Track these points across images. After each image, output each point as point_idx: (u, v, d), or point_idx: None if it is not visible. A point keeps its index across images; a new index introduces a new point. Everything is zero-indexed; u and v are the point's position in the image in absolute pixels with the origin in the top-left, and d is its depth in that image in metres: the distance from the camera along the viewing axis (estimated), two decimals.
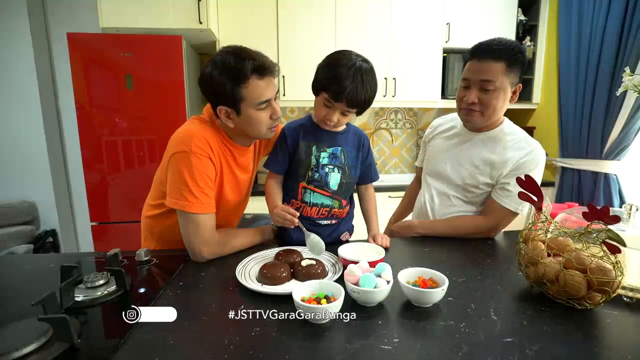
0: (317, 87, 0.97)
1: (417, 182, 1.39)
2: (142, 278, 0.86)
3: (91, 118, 2.00)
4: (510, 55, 1.00)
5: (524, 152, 1.06)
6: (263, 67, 0.90)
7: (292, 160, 1.05)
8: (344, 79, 0.89)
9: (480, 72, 1.03)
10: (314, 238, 0.90)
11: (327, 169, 1.03)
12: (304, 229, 0.92)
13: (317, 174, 1.02)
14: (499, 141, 1.10)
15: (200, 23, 2.04)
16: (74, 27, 2.34)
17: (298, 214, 0.91)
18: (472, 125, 1.13)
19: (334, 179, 1.04)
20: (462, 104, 1.09)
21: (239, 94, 0.89)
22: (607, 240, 0.63)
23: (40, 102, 2.37)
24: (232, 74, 0.88)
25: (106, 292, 0.74)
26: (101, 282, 0.76)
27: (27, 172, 2.45)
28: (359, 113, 0.99)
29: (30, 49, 2.30)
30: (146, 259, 0.94)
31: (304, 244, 1.00)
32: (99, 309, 0.70)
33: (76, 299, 0.71)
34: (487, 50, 1.02)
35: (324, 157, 1.03)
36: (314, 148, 1.03)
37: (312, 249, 0.90)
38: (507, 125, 1.13)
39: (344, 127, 1.07)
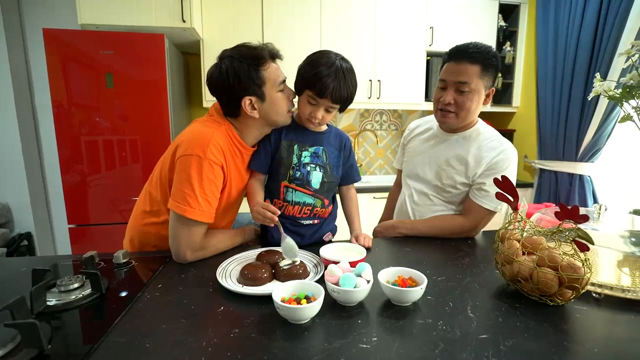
0: (300, 86, 0.98)
1: (397, 187, 1.42)
2: (120, 281, 0.84)
3: (69, 117, 1.94)
4: (485, 59, 1.04)
5: (497, 151, 1.10)
6: (274, 51, 0.97)
7: (273, 159, 1.05)
8: (327, 75, 0.92)
9: (456, 74, 1.06)
10: (289, 241, 0.89)
11: (308, 168, 1.04)
12: (281, 230, 0.91)
13: (299, 173, 1.03)
14: (473, 141, 1.14)
15: (184, 22, 2.01)
16: (50, 23, 2.28)
17: (279, 212, 0.91)
18: (447, 126, 1.17)
19: (316, 177, 1.04)
20: (439, 104, 1.12)
21: (262, 77, 0.93)
22: (577, 239, 0.66)
23: (14, 101, 2.28)
24: (252, 59, 0.92)
25: (80, 295, 0.72)
26: (75, 285, 0.74)
27: (0, 173, 2.35)
28: (341, 110, 1.01)
29: (4, 44, 2.21)
30: (124, 261, 0.92)
31: None
32: (73, 313, 0.68)
33: (48, 303, 0.69)
34: (464, 53, 1.05)
35: (305, 156, 1.04)
36: (295, 147, 1.03)
37: (285, 252, 0.88)
38: (481, 125, 1.17)
39: (325, 127, 1.08)
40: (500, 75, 2.72)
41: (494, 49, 1.08)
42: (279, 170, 1.04)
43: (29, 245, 2.46)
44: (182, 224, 0.90)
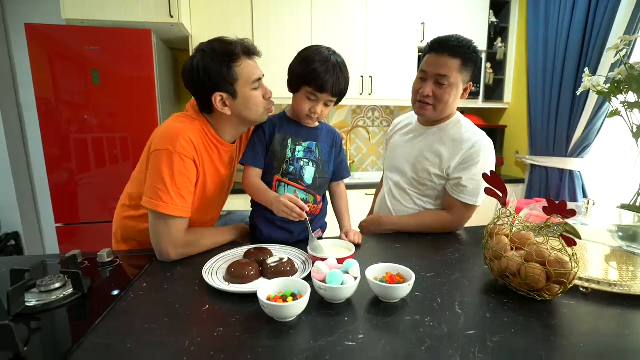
0: (297, 84, 0.98)
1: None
2: (104, 280, 0.82)
3: (55, 115, 1.89)
4: (465, 54, 1.05)
5: (470, 143, 1.10)
6: (250, 48, 0.93)
7: (266, 153, 1.04)
8: (325, 71, 0.93)
9: (437, 66, 1.07)
10: (317, 244, 0.89)
11: (302, 163, 1.03)
12: (310, 229, 0.91)
13: (292, 167, 1.02)
14: (447, 133, 1.15)
15: (171, 17, 1.97)
16: (34, 18, 2.22)
17: (307, 208, 0.91)
18: (424, 119, 1.18)
19: (309, 172, 1.04)
20: (418, 96, 1.13)
21: (234, 74, 0.90)
22: (565, 234, 0.66)
23: None
24: (224, 55, 0.89)
25: (62, 295, 0.70)
26: (56, 285, 0.72)
27: None
28: (337, 102, 1.02)
29: None
30: (109, 260, 0.90)
31: (274, 242, 1.01)
32: (53, 314, 0.66)
33: (27, 304, 0.67)
34: (445, 46, 1.06)
35: (299, 151, 1.03)
36: (289, 141, 1.03)
37: (315, 251, 0.88)
38: (457, 118, 1.17)
39: (317, 124, 1.07)
40: (491, 71, 2.73)
41: (475, 45, 1.08)
42: (271, 164, 1.03)
43: (16, 245, 2.41)
44: (158, 220, 0.89)
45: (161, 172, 0.87)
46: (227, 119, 0.96)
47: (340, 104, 2.92)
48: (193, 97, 0.98)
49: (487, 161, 1.10)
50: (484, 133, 1.13)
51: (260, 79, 0.96)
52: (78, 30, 1.87)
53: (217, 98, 0.92)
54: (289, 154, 1.02)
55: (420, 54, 2.59)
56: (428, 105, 1.11)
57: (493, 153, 1.12)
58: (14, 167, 2.35)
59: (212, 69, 0.89)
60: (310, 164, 1.04)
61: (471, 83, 1.13)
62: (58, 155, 1.94)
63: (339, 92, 0.97)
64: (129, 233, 1.05)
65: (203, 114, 0.98)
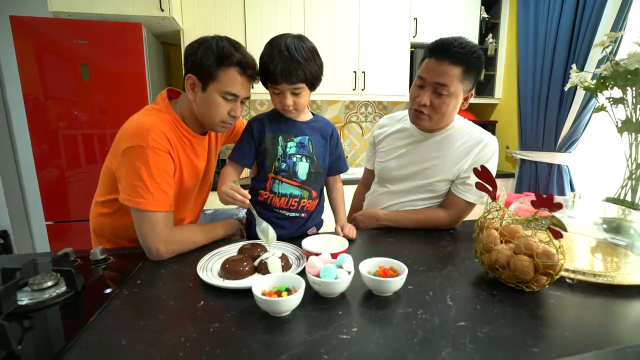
0: (264, 82, 0.98)
1: (364, 187, 1.39)
2: (97, 278, 0.82)
3: (43, 110, 1.86)
4: (468, 61, 0.99)
5: (482, 145, 1.10)
6: (247, 66, 0.92)
7: (259, 152, 1.04)
8: (274, 58, 0.90)
9: (436, 74, 1.00)
10: (265, 226, 0.88)
11: (294, 159, 1.02)
12: (255, 214, 0.89)
13: (285, 164, 1.02)
14: (453, 138, 1.13)
15: (162, 10, 1.94)
16: (19, 10, 2.17)
17: (249, 196, 0.87)
18: (420, 127, 1.14)
19: (303, 168, 1.03)
20: (414, 104, 1.07)
21: (214, 73, 0.90)
22: (552, 226, 0.67)
23: None
24: (219, 53, 0.89)
25: (55, 294, 0.70)
26: (49, 283, 0.71)
27: None
28: (311, 88, 0.97)
29: None
30: (102, 257, 0.89)
31: None
32: (46, 312, 0.66)
33: (20, 303, 0.67)
34: (447, 52, 0.99)
35: (291, 147, 1.02)
36: (280, 138, 1.02)
37: (264, 237, 0.88)
38: (458, 121, 1.15)
39: (311, 116, 1.07)
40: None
41: (480, 49, 1.01)
42: (264, 163, 1.02)
43: (5, 244, 2.37)
44: (142, 218, 0.88)
45: (137, 169, 0.86)
46: (192, 109, 0.96)
47: (333, 99, 2.89)
48: (165, 90, 1.00)
49: (495, 160, 1.11)
50: (489, 132, 1.13)
51: (235, 95, 0.93)
52: (66, 23, 1.83)
53: (190, 79, 0.92)
54: (280, 150, 1.01)
55: (412, 49, 2.60)
56: (423, 115, 1.06)
57: (498, 151, 1.13)
58: (2, 165, 2.30)
59: (203, 55, 0.89)
60: (304, 159, 1.03)
61: (472, 92, 1.07)
62: (47, 152, 1.90)
63: (297, 77, 0.90)
64: (103, 231, 1.05)
65: (171, 103, 0.98)
